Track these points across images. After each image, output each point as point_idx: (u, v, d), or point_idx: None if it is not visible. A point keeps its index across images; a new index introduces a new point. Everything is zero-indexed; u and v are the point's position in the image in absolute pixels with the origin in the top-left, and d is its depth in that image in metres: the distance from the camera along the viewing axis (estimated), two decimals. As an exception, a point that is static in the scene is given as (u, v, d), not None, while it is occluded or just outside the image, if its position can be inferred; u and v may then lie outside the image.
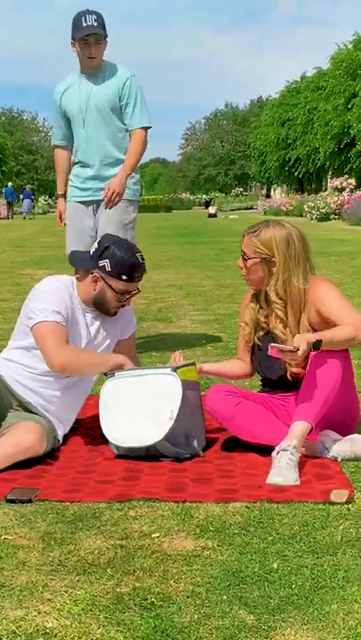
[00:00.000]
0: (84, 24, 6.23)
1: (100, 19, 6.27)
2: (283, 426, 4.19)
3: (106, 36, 6.35)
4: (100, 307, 4.50)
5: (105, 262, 4.40)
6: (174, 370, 4.28)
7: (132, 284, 4.47)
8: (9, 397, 4.36)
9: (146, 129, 6.44)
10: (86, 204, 6.53)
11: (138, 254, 4.47)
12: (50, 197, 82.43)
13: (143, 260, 4.49)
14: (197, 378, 4.47)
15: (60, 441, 4.47)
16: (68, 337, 4.36)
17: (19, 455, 4.11)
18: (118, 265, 4.40)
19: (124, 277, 4.41)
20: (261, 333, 4.40)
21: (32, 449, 4.15)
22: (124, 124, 6.43)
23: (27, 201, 62.29)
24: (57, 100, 6.61)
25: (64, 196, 6.85)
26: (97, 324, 4.56)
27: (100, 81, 6.43)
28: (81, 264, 4.54)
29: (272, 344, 4.02)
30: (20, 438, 4.12)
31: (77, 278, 4.54)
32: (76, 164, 6.66)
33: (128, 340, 4.86)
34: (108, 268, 4.40)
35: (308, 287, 4.25)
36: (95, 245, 4.52)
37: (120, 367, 4.38)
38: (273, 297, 4.27)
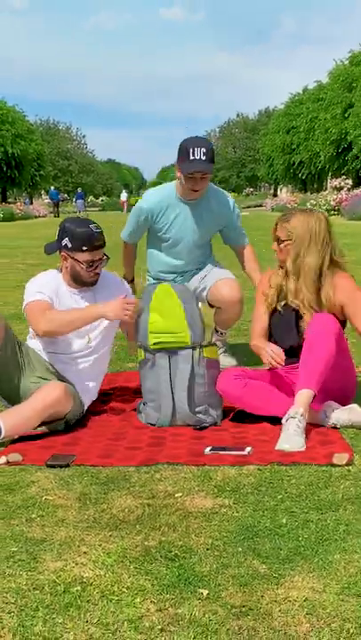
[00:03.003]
0: (192, 157, 5.05)
1: (209, 152, 5.08)
2: (286, 398, 4.17)
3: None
4: (78, 281, 4.48)
5: (65, 240, 4.41)
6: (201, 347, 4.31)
7: (95, 252, 4.42)
8: (35, 362, 4.37)
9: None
10: None
11: (91, 225, 4.43)
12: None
13: (98, 228, 4.45)
14: (217, 357, 4.46)
15: (85, 407, 4.45)
16: None
17: (47, 409, 4.06)
18: (75, 239, 4.39)
19: (84, 248, 4.38)
20: (283, 302, 4.39)
21: (59, 403, 4.11)
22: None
23: (79, 201, 63.10)
24: (148, 218, 5.45)
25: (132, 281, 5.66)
26: (87, 302, 4.48)
27: (202, 209, 5.43)
28: (50, 250, 4.53)
29: None
30: (47, 393, 4.08)
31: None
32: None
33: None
34: (69, 245, 4.40)
35: (334, 271, 4.29)
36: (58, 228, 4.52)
37: (102, 317, 4.30)
38: (288, 269, 4.34)
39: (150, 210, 5.39)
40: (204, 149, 5.06)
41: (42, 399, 4.06)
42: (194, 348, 4.29)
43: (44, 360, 4.41)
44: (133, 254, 5.75)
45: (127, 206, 73.04)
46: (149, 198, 5.46)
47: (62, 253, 4.44)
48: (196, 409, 4.27)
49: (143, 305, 4.43)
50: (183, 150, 5.11)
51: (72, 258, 4.41)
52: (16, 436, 4.05)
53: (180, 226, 5.44)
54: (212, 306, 5.64)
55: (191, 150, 5.06)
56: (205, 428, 4.23)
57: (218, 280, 5.55)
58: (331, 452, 3.67)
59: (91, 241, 4.39)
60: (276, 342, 4.39)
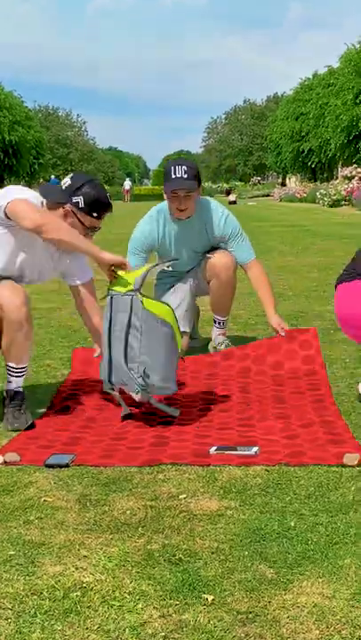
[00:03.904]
0: (173, 176, 5.41)
1: (190, 170, 5.42)
2: None
3: (199, 184, 5.52)
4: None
5: (79, 199, 4.45)
6: (139, 292, 4.32)
7: (99, 221, 4.56)
8: None
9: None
10: None
11: (107, 195, 4.56)
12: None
13: (110, 199, 4.59)
14: (172, 323, 4.33)
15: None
16: (27, 251, 4.46)
17: None
18: (91, 203, 4.47)
19: (94, 214, 4.50)
20: None
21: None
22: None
23: None
24: (145, 252, 5.69)
25: None
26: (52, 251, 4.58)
27: (194, 229, 5.69)
28: (54, 198, 4.51)
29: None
30: None
31: (46, 205, 4.50)
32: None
33: (89, 285, 4.89)
34: (82, 205, 4.46)
35: None
36: (68, 181, 4.55)
37: (96, 257, 4.36)
38: None
39: (143, 246, 5.67)
40: (185, 167, 5.41)
41: None
42: (133, 296, 4.30)
43: None
44: None
45: (130, 196, 73.12)
46: (141, 228, 5.73)
47: (66, 207, 4.47)
48: (129, 365, 4.26)
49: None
50: (166, 171, 5.47)
51: (77, 217, 4.49)
52: None
53: (177, 244, 5.72)
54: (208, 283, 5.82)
55: (172, 169, 5.42)
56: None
57: (212, 253, 5.79)
58: (341, 452, 3.66)
59: (104, 209, 4.55)
60: None
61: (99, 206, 4.50)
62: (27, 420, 4.32)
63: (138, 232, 5.73)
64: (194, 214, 5.59)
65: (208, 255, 5.78)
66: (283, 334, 5.43)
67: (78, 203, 4.45)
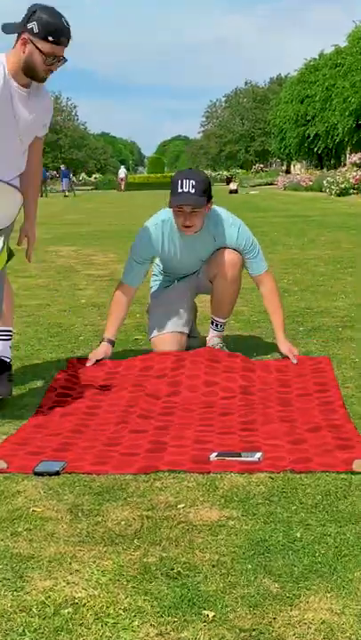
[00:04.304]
0: (180, 189, 5.34)
1: (199, 184, 5.34)
2: None
3: (208, 200, 5.44)
4: (29, 72, 4.61)
5: (33, 24, 4.54)
6: None
7: (59, 48, 4.58)
8: None
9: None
10: None
11: (63, 19, 4.60)
12: (73, 175, 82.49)
13: (69, 25, 4.63)
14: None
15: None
16: None
17: None
18: (45, 27, 4.53)
19: (50, 39, 4.53)
20: None
21: None
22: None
23: (65, 180, 63.18)
24: (146, 260, 5.71)
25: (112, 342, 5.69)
26: (20, 102, 4.68)
27: (202, 241, 5.65)
28: (9, 30, 4.61)
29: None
30: None
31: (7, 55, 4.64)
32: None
33: (41, 139, 5.07)
34: (36, 30, 4.53)
35: None
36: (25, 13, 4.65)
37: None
38: None
39: (145, 254, 5.65)
40: (193, 182, 5.32)
41: None
42: None
43: None
44: (125, 304, 5.69)
45: (125, 185, 73.01)
46: (144, 237, 5.66)
47: (23, 37, 4.58)
48: None
49: None
50: (173, 183, 5.39)
51: (34, 45, 4.56)
52: None
53: (182, 254, 5.71)
54: (210, 283, 5.80)
55: (180, 182, 5.35)
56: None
57: (219, 250, 5.74)
58: (351, 458, 3.66)
59: (61, 32, 4.59)
60: None
61: (54, 29, 4.55)
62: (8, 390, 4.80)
63: (140, 241, 5.68)
64: (202, 228, 5.55)
65: (213, 252, 5.75)
66: (294, 361, 5.44)
67: (33, 29, 4.55)
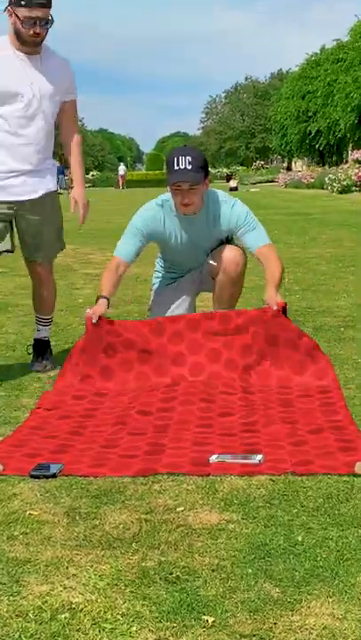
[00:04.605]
0: (176, 167, 5.31)
1: (196, 160, 5.33)
2: None
3: (206, 177, 5.44)
4: (19, 39, 5.20)
5: None
6: None
7: (35, 10, 5.06)
8: None
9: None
10: None
11: None
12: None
13: None
14: None
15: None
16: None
17: None
18: None
19: (22, 3, 5.05)
20: None
21: None
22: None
23: (60, 177, 62.91)
24: (145, 237, 5.59)
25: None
26: (33, 65, 5.28)
27: (201, 224, 5.59)
28: (5, 8, 5.21)
29: None
30: None
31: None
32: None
33: (70, 104, 5.55)
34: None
35: None
36: None
37: None
38: None
39: (145, 229, 5.55)
40: (189, 158, 5.30)
41: None
42: None
43: None
44: (117, 274, 5.56)
45: (124, 182, 73.01)
46: (143, 213, 5.62)
47: (8, 9, 5.16)
48: None
49: None
50: (169, 161, 5.39)
51: (14, 13, 5.12)
52: None
53: (182, 240, 5.64)
54: (212, 279, 5.76)
55: (175, 160, 5.32)
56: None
57: (222, 246, 5.72)
58: (353, 461, 3.66)
59: None
60: None
61: None
62: (45, 366, 5.68)
63: (139, 216, 5.60)
64: (201, 208, 5.50)
65: (216, 249, 5.72)
66: (275, 307, 5.15)
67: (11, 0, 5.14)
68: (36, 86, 5.23)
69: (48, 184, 5.43)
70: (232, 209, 5.54)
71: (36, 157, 5.32)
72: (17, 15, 5.07)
